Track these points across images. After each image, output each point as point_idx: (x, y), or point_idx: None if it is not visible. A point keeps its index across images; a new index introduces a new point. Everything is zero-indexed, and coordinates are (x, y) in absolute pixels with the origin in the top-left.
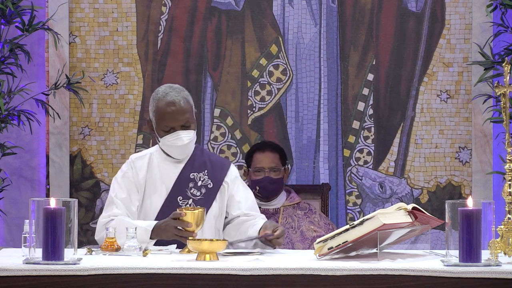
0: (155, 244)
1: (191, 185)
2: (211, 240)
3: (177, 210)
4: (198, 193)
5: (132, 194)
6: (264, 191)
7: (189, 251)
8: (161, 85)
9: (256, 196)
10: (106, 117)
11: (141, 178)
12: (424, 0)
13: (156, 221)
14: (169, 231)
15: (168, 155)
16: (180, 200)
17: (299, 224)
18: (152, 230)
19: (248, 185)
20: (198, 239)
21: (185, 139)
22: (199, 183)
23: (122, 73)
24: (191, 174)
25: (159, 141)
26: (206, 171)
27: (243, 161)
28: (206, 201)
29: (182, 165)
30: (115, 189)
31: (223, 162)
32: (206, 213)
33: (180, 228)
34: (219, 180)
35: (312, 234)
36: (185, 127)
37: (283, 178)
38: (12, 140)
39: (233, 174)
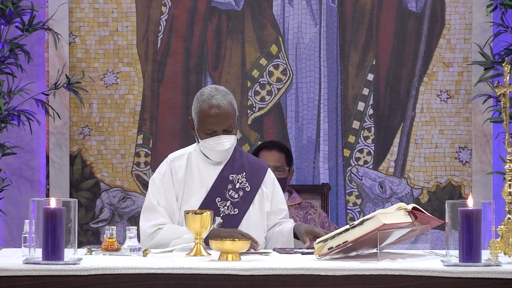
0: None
1: (229, 186)
2: (234, 240)
3: (184, 213)
4: (236, 195)
5: (172, 200)
6: None
7: (195, 254)
8: (206, 86)
9: None
10: (106, 117)
11: (181, 178)
12: (424, 0)
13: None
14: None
15: (206, 156)
16: (219, 202)
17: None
18: (207, 236)
19: None
20: (220, 239)
21: (226, 144)
22: (237, 185)
23: (122, 73)
24: (230, 175)
25: (198, 142)
26: (244, 173)
27: None
28: (243, 204)
29: (221, 167)
30: (156, 195)
31: (261, 164)
32: (243, 215)
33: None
34: (257, 183)
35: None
36: (227, 131)
37: (286, 178)
38: (12, 140)
39: (270, 178)
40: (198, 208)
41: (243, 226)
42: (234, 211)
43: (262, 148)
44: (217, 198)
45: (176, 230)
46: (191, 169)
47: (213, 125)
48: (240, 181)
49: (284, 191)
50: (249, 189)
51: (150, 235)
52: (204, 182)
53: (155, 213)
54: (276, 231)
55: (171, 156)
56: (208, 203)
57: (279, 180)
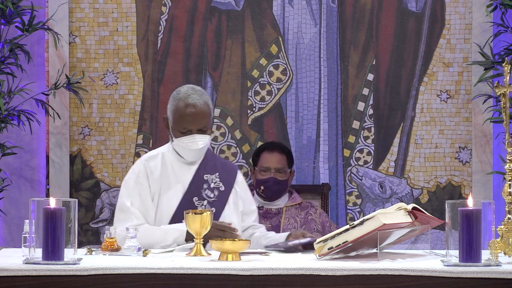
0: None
1: (205, 186)
2: (234, 240)
3: (184, 212)
4: (212, 195)
5: (148, 200)
6: (268, 191)
7: (195, 254)
8: (183, 85)
9: (259, 195)
10: (106, 117)
11: (157, 178)
12: (424, 0)
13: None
14: (211, 230)
15: (180, 156)
16: (196, 201)
17: (301, 226)
18: (187, 232)
19: (253, 184)
20: (220, 239)
21: (200, 143)
22: (212, 185)
23: (122, 73)
24: (205, 175)
25: (172, 141)
26: (217, 173)
27: (243, 161)
28: (219, 204)
29: (195, 167)
30: (130, 196)
31: (232, 166)
32: (220, 215)
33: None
34: (230, 183)
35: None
36: (202, 131)
37: (288, 180)
38: (12, 140)
39: (240, 179)
40: (177, 208)
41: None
42: (212, 210)
43: (263, 150)
44: (194, 198)
45: (154, 233)
46: (166, 168)
47: (188, 123)
48: (214, 181)
49: (285, 193)
50: (223, 188)
51: (124, 238)
52: (180, 181)
53: (128, 214)
54: (259, 236)
55: (145, 156)
56: (186, 203)
57: (281, 182)
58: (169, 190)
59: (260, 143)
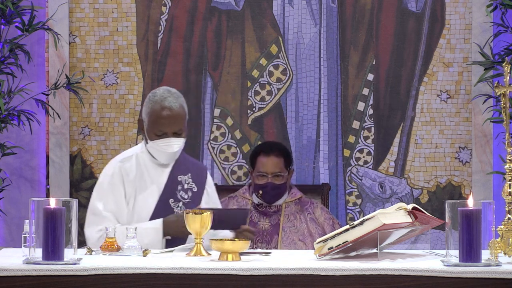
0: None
1: (179, 187)
2: (234, 240)
3: (184, 213)
4: (186, 196)
5: (121, 202)
6: (266, 196)
7: (195, 254)
8: (159, 87)
9: (259, 198)
10: (106, 117)
11: (132, 179)
12: (424, 0)
13: (161, 219)
14: (178, 222)
15: (154, 157)
16: (172, 203)
17: (301, 224)
18: (163, 227)
19: (252, 187)
20: (220, 239)
21: (175, 146)
22: (186, 186)
23: (122, 73)
24: (178, 177)
25: (147, 143)
26: (190, 174)
27: (243, 161)
28: (193, 205)
29: (169, 168)
30: (102, 198)
31: (202, 166)
32: None
33: None
34: (202, 184)
35: (314, 232)
36: (177, 134)
37: (286, 182)
38: (12, 140)
39: (210, 179)
40: (154, 210)
41: None
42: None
43: (259, 152)
44: (170, 200)
45: (124, 231)
46: (141, 170)
47: (164, 126)
48: (187, 182)
49: (284, 194)
50: (196, 189)
51: (98, 240)
52: (154, 183)
53: (101, 218)
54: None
55: (119, 157)
56: (162, 205)
57: (279, 186)
58: (144, 191)
59: (257, 145)
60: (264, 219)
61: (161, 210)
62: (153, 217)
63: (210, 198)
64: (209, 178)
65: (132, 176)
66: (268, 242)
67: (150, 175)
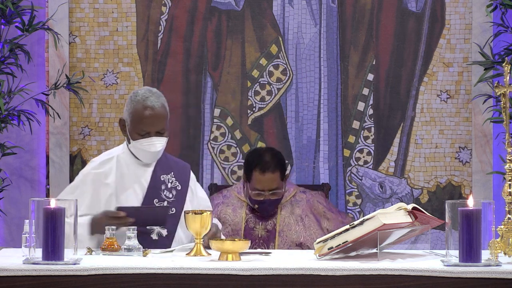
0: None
1: (163, 187)
2: (234, 240)
3: (184, 213)
4: (171, 195)
5: (93, 205)
6: (264, 211)
7: (195, 254)
8: (140, 88)
9: (255, 209)
10: (106, 117)
11: (111, 182)
12: (424, 0)
13: (90, 216)
14: (104, 218)
15: (136, 158)
16: (157, 203)
17: (297, 225)
18: (90, 224)
19: (247, 195)
20: (220, 239)
21: (158, 146)
22: (169, 185)
23: (122, 73)
24: (161, 176)
25: (129, 143)
26: (172, 173)
27: (243, 161)
28: (178, 203)
29: (152, 168)
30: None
31: (184, 164)
32: (181, 214)
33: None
34: (186, 182)
35: (312, 230)
36: (159, 133)
37: (283, 193)
38: (12, 140)
39: (193, 177)
40: None
41: (182, 225)
42: (172, 211)
43: (255, 167)
44: (155, 200)
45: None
46: (122, 171)
47: (147, 126)
48: (170, 181)
49: (274, 209)
50: (180, 187)
51: None
52: (137, 183)
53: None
54: None
55: (98, 160)
56: (147, 205)
57: (276, 200)
58: (125, 191)
59: (260, 143)
60: (260, 225)
61: None
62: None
63: (195, 195)
64: (192, 175)
65: (111, 179)
66: (264, 249)
67: (132, 176)
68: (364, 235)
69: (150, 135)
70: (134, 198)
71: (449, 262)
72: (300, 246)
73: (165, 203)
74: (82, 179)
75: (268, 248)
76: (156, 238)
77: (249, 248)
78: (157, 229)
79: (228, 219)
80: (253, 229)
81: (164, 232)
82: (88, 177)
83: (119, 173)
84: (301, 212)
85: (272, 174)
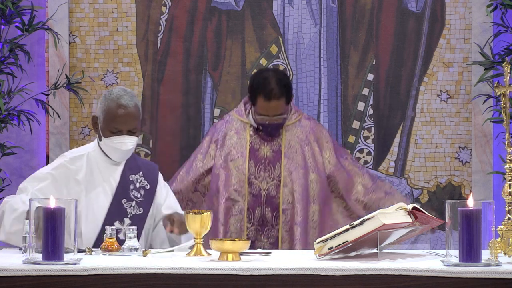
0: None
1: (131, 187)
2: (234, 240)
3: (184, 213)
4: (139, 195)
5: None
6: (268, 133)
7: (195, 254)
8: (114, 87)
9: (259, 129)
10: None
11: (81, 179)
12: (424, 0)
13: None
14: None
15: (107, 156)
16: (125, 203)
17: (302, 149)
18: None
19: (251, 113)
20: (220, 239)
21: (129, 144)
22: (138, 185)
23: (122, 73)
24: (130, 176)
25: (100, 140)
26: (141, 172)
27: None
28: (147, 203)
29: (121, 168)
30: (34, 185)
31: (153, 164)
32: (147, 214)
33: None
34: (154, 181)
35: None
36: (131, 132)
37: (287, 116)
38: (12, 140)
39: (161, 177)
40: (108, 211)
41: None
42: (140, 211)
43: (260, 94)
44: (123, 200)
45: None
46: (92, 169)
47: (119, 124)
48: (139, 180)
49: (278, 131)
50: (148, 187)
51: (4, 203)
52: (107, 182)
53: (23, 194)
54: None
55: (70, 155)
56: (115, 205)
57: (281, 123)
58: (95, 189)
59: (254, 79)
60: (265, 145)
61: (115, 209)
62: (107, 218)
63: (161, 195)
64: (160, 176)
65: (81, 176)
66: (271, 171)
67: (102, 174)
68: (364, 235)
69: (122, 133)
70: (103, 196)
71: (449, 262)
72: (305, 169)
73: (133, 203)
74: (52, 173)
75: (274, 171)
76: (124, 238)
77: (257, 166)
78: (123, 229)
79: (232, 142)
80: (258, 150)
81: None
82: (61, 169)
83: (89, 170)
84: (304, 138)
85: (277, 101)
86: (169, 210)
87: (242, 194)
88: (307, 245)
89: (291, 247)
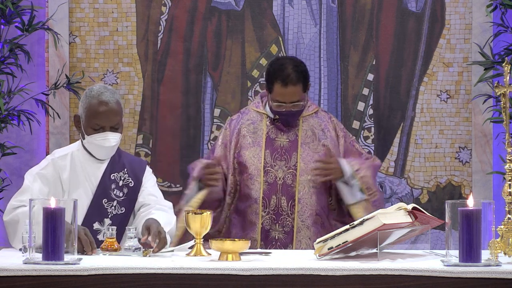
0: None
1: (113, 186)
2: (234, 240)
3: (184, 212)
4: (121, 194)
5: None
6: (284, 121)
7: (195, 254)
8: (95, 84)
9: (276, 120)
10: None
11: (65, 179)
12: (424, 0)
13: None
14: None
15: (90, 154)
16: (106, 203)
17: (319, 140)
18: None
19: (267, 103)
20: (220, 239)
21: (112, 141)
22: (121, 183)
23: (122, 73)
24: (112, 175)
25: (83, 138)
26: (125, 169)
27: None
28: (129, 201)
29: (104, 166)
30: (32, 182)
31: (140, 160)
32: (131, 213)
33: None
34: (139, 177)
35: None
36: (114, 129)
37: (304, 104)
38: (12, 140)
39: (149, 173)
40: (87, 211)
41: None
42: (121, 210)
43: (276, 79)
44: (104, 200)
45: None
46: (75, 169)
47: (101, 120)
48: (122, 178)
49: (296, 120)
50: (132, 184)
51: (12, 209)
52: (89, 181)
53: (27, 194)
54: (144, 215)
55: (56, 154)
56: (95, 205)
57: (298, 111)
58: (77, 189)
59: (272, 66)
60: (281, 135)
61: (95, 209)
62: (85, 219)
63: (146, 190)
64: (147, 171)
65: (66, 176)
66: (287, 160)
67: (85, 175)
68: (364, 235)
69: (105, 129)
70: (84, 196)
71: (449, 262)
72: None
73: (115, 202)
74: (41, 166)
75: (290, 160)
76: (103, 239)
77: (273, 155)
78: (103, 229)
79: (248, 131)
80: (275, 140)
81: (110, 232)
82: (49, 168)
83: (73, 170)
84: (324, 126)
85: (294, 87)
86: (147, 196)
87: (257, 183)
88: (322, 235)
89: (307, 236)
